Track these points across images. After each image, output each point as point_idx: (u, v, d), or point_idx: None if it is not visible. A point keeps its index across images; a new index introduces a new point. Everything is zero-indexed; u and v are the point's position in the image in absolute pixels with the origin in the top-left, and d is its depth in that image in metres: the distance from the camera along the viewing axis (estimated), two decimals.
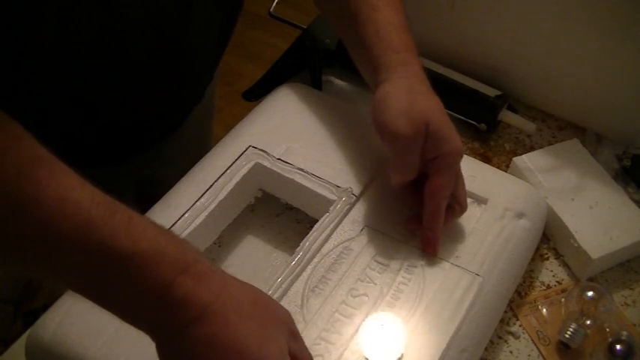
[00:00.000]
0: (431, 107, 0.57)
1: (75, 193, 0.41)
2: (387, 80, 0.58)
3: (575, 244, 0.65)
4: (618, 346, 0.59)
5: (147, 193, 0.79)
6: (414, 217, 0.60)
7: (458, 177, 0.59)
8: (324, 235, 0.60)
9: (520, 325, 0.63)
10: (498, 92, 0.77)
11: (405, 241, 0.60)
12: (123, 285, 0.42)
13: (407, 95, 0.57)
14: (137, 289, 0.42)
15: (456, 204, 0.59)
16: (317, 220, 0.61)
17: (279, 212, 0.69)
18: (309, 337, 0.54)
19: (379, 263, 0.58)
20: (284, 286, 0.56)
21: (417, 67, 0.60)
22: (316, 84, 0.81)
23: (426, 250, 0.59)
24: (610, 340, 0.60)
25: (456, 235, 0.60)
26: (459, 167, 0.59)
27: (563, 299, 0.64)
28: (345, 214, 0.61)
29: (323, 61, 0.82)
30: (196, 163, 0.66)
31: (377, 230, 0.61)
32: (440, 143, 0.56)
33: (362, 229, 0.61)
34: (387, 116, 0.57)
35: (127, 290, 0.42)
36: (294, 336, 0.46)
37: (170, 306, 0.42)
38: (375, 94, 0.59)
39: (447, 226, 0.60)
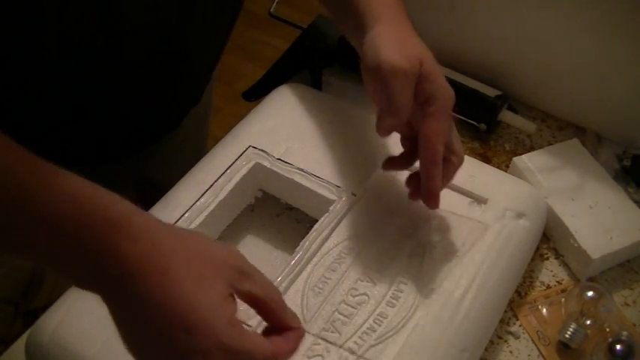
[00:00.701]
0: (424, 49, 0.56)
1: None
2: (377, 24, 0.57)
3: (575, 244, 0.65)
4: (618, 346, 0.59)
5: (146, 193, 0.79)
6: (412, 175, 0.59)
7: (451, 127, 0.57)
8: (323, 235, 0.60)
9: (520, 325, 0.63)
10: (498, 92, 0.77)
11: (405, 239, 0.60)
12: (47, 247, 0.41)
13: (400, 34, 0.56)
14: (59, 250, 0.41)
15: (452, 155, 0.57)
16: (317, 220, 0.61)
17: (279, 212, 0.69)
18: (308, 337, 0.54)
19: (379, 263, 0.58)
20: (284, 285, 0.56)
21: (406, 19, 0.59)
22: (316, 84, 0.81)
23: (428, 204, 0.56)
24: (610, 340, 0.60)
25: (456, 235, 0.60)
26: (452, 117, 0.57)
27: (563, 299, 0.64)
28: (345, 214, 0.61)
29: (323, 61, 0.82)
30: (192, 162, 0.66)
31: (377, 229, 0.61)
32: (433, 85, 0.54)
33: (362, 229, 0.61)
34: (381, 52, 0.54)
35: (50, 252, 0.42)
36: (244, 275, 0.44)
37: (97, 268, 0.41)
38: (364, 40, 0.57)
39: (448, 181, 0.58)
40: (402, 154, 0.61)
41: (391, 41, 0.55)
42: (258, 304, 0.45)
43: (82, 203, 0.41)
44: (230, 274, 0.43)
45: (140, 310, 0.41)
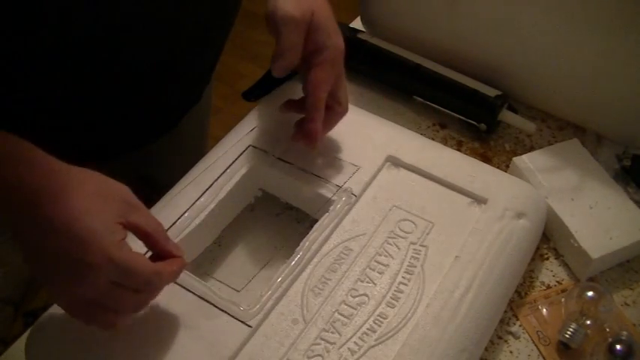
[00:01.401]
0: (320, 2, 0.60)
1: None
2: None
3: (575, 244, 0.65)
4: (618, 346, 0.59)
5: (146, 193, 0.79)
6: (301, 119, 0.63)
7: (339, 77, 0.61)
8: (324, 235, 0.60)
9: (520, 325, 0.63)
10: (498, 92, 0.77)
11: (405, 239, 0.60)
12: None
13: None
14: None
15: (336, 104, 0.62)
16: (317, 220, 0.61)
17: (279, 212, 0.69)
18: (309, 337, 0.54)
19: (379, 263, 0.58)
20: (284, 286, 0.56)
21: None
22: None
23: (307, 144, 0.61)
24: (610, 340, 0.60)
25: (456, 235, 0.60)
26: (342, 68, 0.61)
27: (563, 299, 0.64)
28: (345, 214, 0.61)
29: None
30: (193, 162, 0.66)
31: (377, 230, 0.61)
32: (322, 36, 0.59)
33: (362, 229, 0.61)
34: (278, 3, 0.59)
35: None
36: (133, 208, 0.49)
37: (7, 200, 0.46)
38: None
39: (329, 128, 0.63)
40: (300, 99, 0.65)
41: None
42: (144, 234, 0.50)
43: None
44: (120, 206, 0.48)
45: (40, 231, 0.45)
